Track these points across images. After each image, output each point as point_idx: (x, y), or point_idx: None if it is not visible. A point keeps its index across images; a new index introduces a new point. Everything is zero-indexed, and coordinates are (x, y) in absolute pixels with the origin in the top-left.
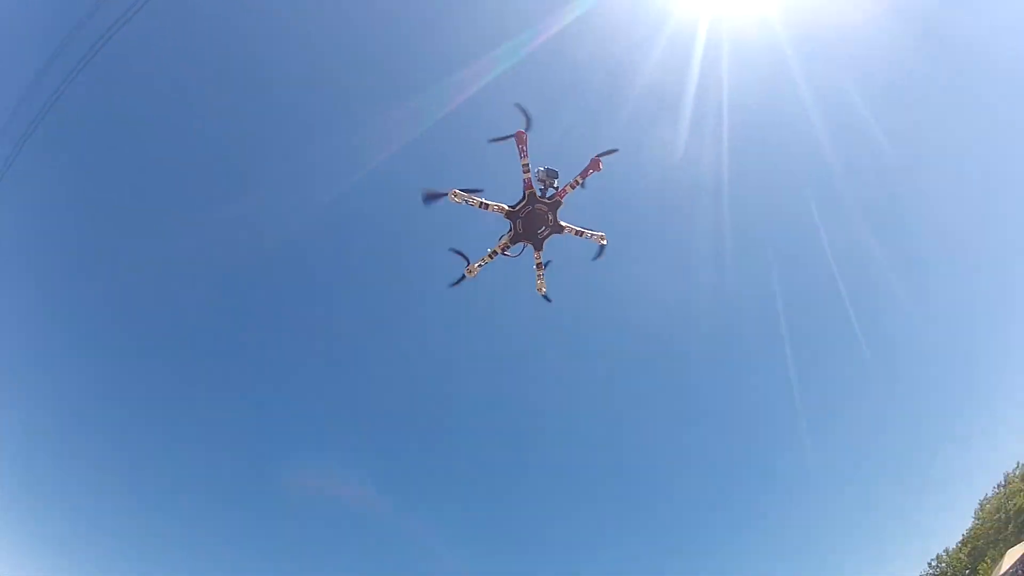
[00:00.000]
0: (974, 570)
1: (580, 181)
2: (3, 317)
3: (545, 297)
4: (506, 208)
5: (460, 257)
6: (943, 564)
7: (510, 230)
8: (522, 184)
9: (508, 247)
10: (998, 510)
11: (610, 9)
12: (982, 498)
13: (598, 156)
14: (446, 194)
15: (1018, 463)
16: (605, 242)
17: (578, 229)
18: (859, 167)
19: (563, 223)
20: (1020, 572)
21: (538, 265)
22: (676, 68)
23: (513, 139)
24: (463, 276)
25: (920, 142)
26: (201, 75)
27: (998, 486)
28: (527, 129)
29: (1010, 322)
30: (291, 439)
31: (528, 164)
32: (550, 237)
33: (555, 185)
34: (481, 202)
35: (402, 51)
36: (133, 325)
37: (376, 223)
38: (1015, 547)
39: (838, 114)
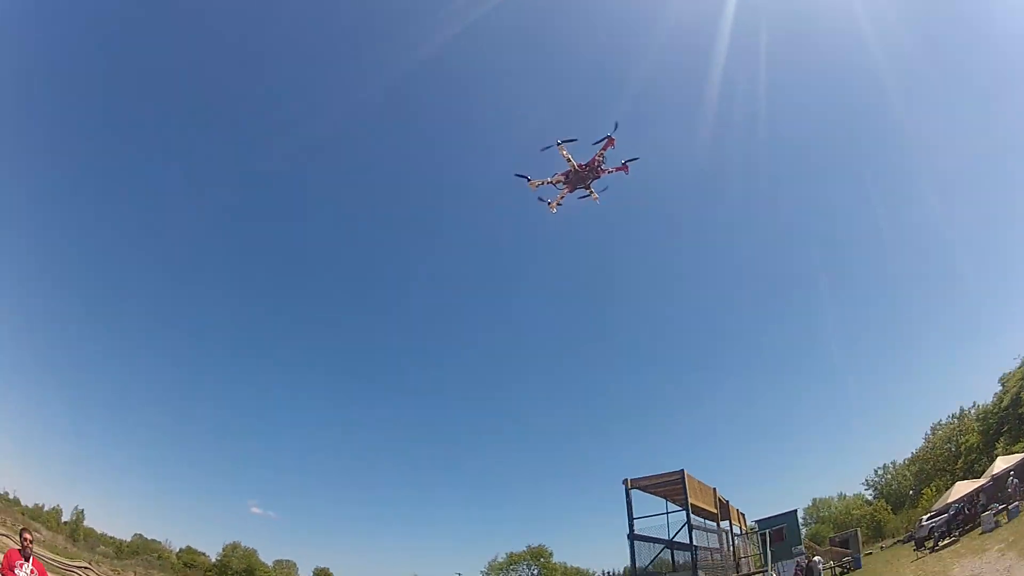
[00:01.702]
0: (918, 492)
1: (603, 153)
2: None
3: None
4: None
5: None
6: (888, 475)
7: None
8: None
9: (560, 182)
10: (948, 440)
11: None
12: (935, 423)
13: (611, 136)
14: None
15: (975, 403)
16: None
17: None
18: None
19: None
20: (1014, 475)
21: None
22: None
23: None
24: (527, 179)
25: None
26: None
27: (952, 416)
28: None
29: None
30: None
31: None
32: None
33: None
34: (569, 159)
35: None
36: None
37: None
38: (1006, 455)
39: None
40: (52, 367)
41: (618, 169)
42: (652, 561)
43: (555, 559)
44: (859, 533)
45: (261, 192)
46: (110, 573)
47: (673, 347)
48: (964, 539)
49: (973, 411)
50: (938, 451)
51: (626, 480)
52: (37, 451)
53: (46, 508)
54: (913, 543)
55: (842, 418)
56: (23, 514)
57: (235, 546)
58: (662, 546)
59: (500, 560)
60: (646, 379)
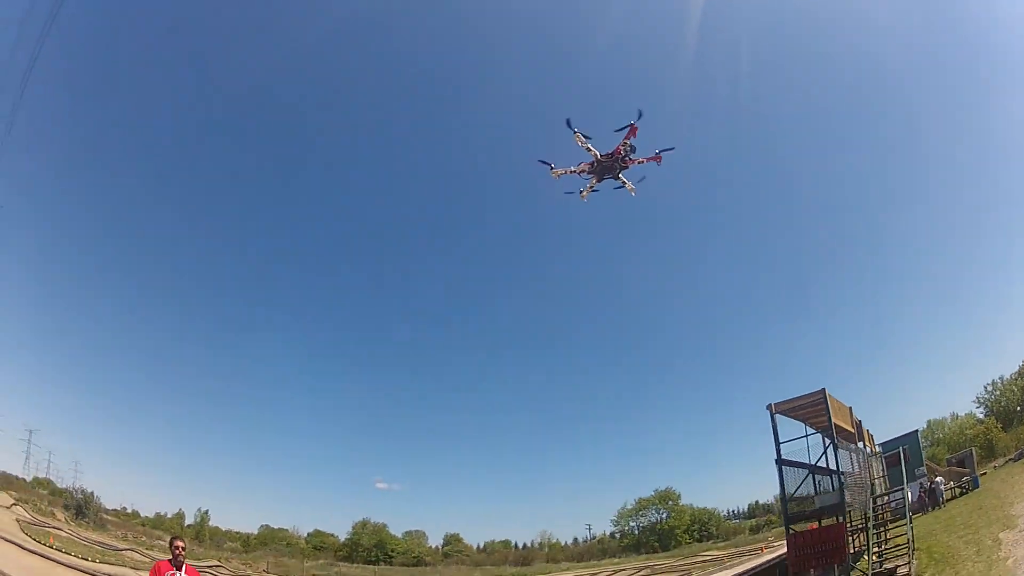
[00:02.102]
0: None
1: (626, 142)
2: None
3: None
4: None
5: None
6: (998, 391)
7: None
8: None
9: (584, 172)
10: None
11: None
12: None
13: (634, 124)
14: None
15: None
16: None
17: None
18: None
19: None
20: None
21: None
22: None
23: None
24: (551, 167)
25: None
26: None
27: None
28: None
29: None
30: None
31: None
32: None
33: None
34: (589, 148)
35: None
36: None
37: None
38: None
39: None
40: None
41: (650, 159)
42: (799, 486)
43: (683, 501)
44: (974, 452)
45: None
46: (240, 567)
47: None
48: None
49: None
50: None
51: (770, 405)
52: (149, 463)
53: (168, 515)
54: None
55: (953, 332)
56: (143, 525)
57: (364, 523)
58: (807, 471)
59: (629, 507)
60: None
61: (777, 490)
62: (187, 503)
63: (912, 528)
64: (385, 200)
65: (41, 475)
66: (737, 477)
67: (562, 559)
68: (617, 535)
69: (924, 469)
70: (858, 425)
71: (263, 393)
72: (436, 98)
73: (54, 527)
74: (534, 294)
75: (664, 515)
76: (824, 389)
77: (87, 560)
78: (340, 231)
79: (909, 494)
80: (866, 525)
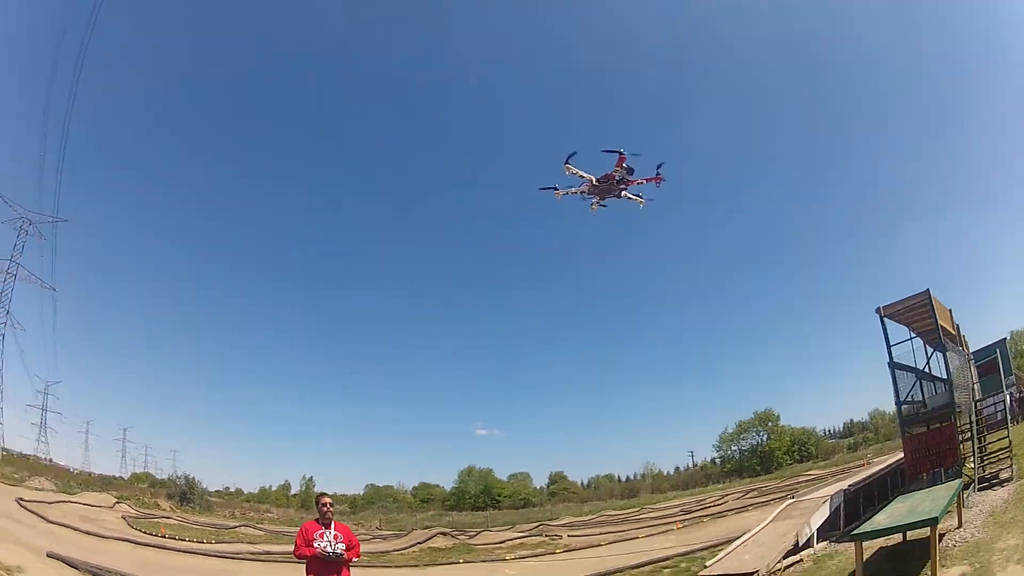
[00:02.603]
0: None
1: (619, 168)
2: None
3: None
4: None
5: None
6: None
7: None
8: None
9: (585, 193)
10: None
11: None
12: None
13: (622, 153)
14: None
15: None
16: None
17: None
18: None
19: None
20: None
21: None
22: None
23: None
24: (555, 189)
25: None
26: None
27: None
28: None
29: None
30: None
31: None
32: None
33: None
34: (582, 175)
35: None
36: None
37: None
38: None
39: None
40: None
41: (649, 180)
42: (911, 390)
43: (782, 422)
44: None
45: None
46: (353, 527)
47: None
48: None
49: None
50: None
51: (879, 308)
52: (245, 441)
53: (273, 488)
54: None
55: None
56: (248, 501)
57: (470, 470)
58: (915, 376)
59: (730, 432)
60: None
61: (872, 405)
62: (291, 474)
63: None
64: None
65: (139, 470)
66: (833, 396)
67: (667, 488)
68: (719, 460)
69: (1013, 379)
70: (957, 329)
71: (357, 351)
72: None
73: (162, 517)
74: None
75: (764, 437)
76: (928, 290)
77: (202, 543)
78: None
79: (1008, 398)
80: (971, 429)
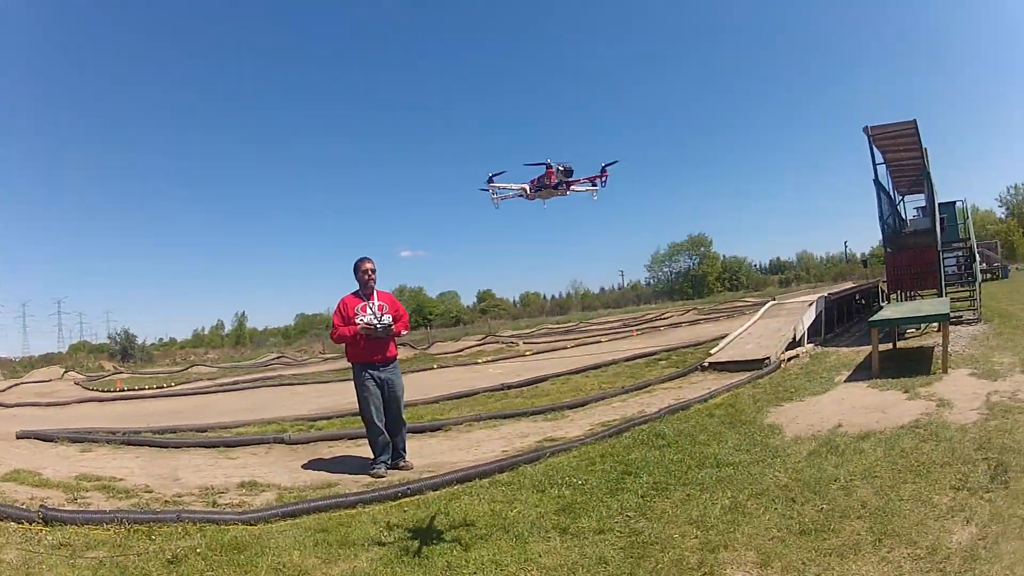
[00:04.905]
0: None
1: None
2: None
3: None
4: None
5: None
6: (1021, 196)
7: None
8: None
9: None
10: None
11: None
12: None
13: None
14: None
15: None
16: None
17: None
18: None
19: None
20: None
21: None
22: None
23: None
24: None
25: None
26: None
27: None
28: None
29: None
30: None
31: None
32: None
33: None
34: (509, 187)
35: None
36: None
37: None
38: None
39: None
40: None
41: (594, 178)
42: (892, 212)
43: (715, 248)
44: (999, 245)
45: None
46: (296, 355)
47: None
48: None
49: None
50: None
51: (866, 127)
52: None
53: (206, 330)
54: None
55: (975, 119)
56: (182, 348)
57: (401, 290)
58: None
59: (662, 252)
60: None
61: (800, 246)
62: (222, 314)
63: (980, 285)
64: None
65: (75, 340)
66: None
67: (598, 306)
68: (652, 282)
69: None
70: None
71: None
72: None
73: (114, 374)
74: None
75: (697, 261)
76: (915, 120)
77: (168, 386)
78: None
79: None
80: (939, 264)
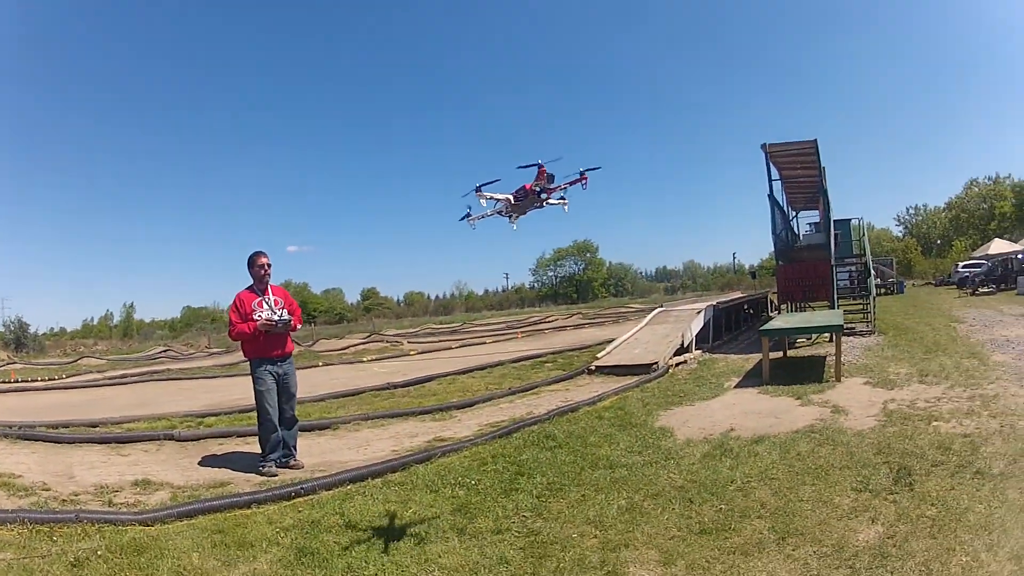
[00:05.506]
0: (948, 242)
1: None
2: None
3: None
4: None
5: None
6: (920, 217)
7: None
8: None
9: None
10: (983, 200)
11: None
12: (972, 179)
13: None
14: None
15: (1011, 175)
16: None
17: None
18: None
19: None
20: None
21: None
22: None
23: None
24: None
25: None
26: None
27: (988, 179)
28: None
29: None
30: None
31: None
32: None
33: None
34: (496, 198)
35: None
36: None
37: None
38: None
39: None
40: None
41: (574, 183)
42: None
43: (601, 255)
44: (895, 261)
45: None
46: (183, 348)
47: None
48: (1000, 295)
49: (1008, 182)
50: (973, 206)
51: (764, 144)
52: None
53: (95, 320)
54: (947, 286)
55: (879, 144)
56: (72, 339)
57: (286, 285)
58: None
59: (548, 257)
60: None
61: (687, 256)
62: (110, 304)
63: (874, 298)
64: None
65: None
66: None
67: (482, 307)
68: (536, 285)
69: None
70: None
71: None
72: None
73: (6, 364)
74: None
75: (582, 267)
76: (816, 140)
77: (59, 378)
78: None
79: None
80: (832, 278)
